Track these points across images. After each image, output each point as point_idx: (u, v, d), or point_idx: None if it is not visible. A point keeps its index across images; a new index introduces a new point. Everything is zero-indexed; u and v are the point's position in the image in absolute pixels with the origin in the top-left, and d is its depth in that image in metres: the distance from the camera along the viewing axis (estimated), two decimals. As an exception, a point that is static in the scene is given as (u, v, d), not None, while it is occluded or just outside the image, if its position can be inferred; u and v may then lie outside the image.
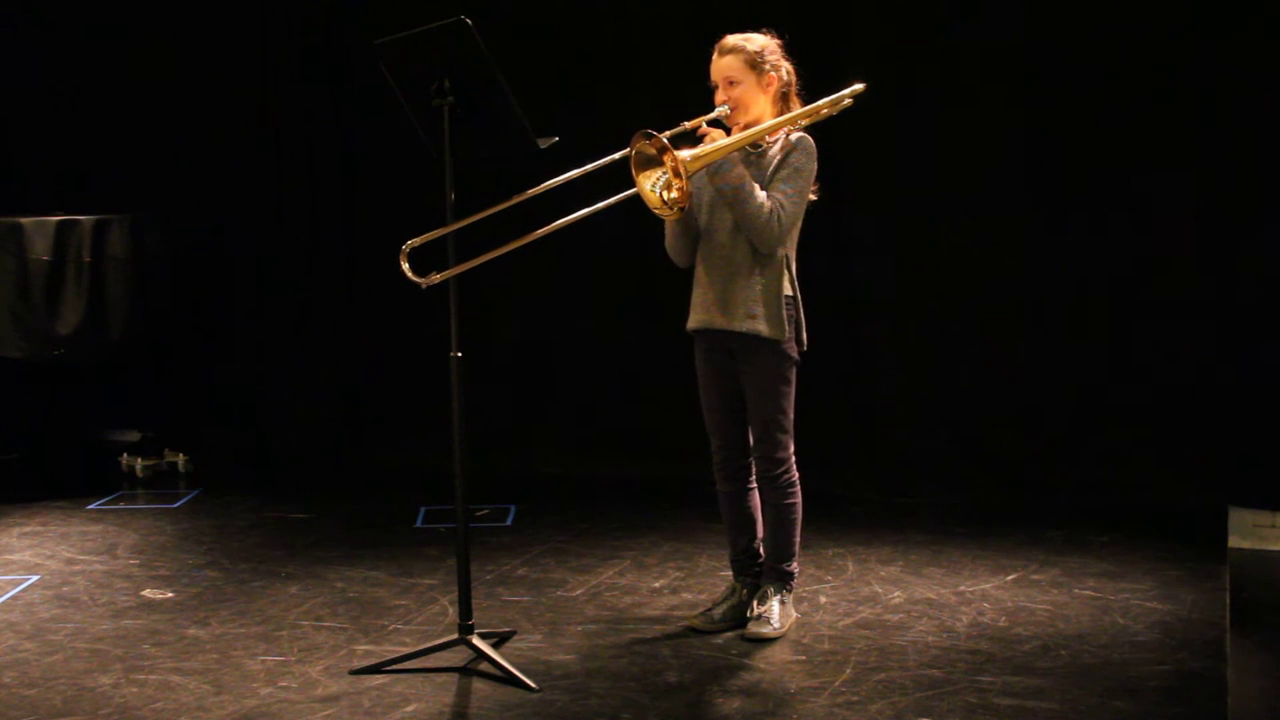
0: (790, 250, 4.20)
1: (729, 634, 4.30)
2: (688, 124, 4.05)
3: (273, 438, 7.05)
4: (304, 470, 6.80)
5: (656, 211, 3.98)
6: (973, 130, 6.00)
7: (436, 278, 3.94)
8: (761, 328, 4.15)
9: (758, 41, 4.18)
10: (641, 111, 4.31)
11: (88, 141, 7.19)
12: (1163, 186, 5.78)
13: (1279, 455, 5.60)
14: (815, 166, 4.16)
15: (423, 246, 3.93)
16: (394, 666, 4.06)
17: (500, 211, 4.13)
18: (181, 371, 7.10)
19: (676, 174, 3.86)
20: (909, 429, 6.20)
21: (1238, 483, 5.60)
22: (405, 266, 3.87)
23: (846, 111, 4.30)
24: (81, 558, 5.31)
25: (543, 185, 4.14)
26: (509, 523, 5.77)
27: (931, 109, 6.04)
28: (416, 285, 3.93)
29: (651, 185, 3.94)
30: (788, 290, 4.18)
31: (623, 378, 6.58)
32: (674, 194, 3.90)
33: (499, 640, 4.26)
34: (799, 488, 4.30)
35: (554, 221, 4.12)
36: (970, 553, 5.15)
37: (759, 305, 4.15)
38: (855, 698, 3.80)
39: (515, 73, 4.18)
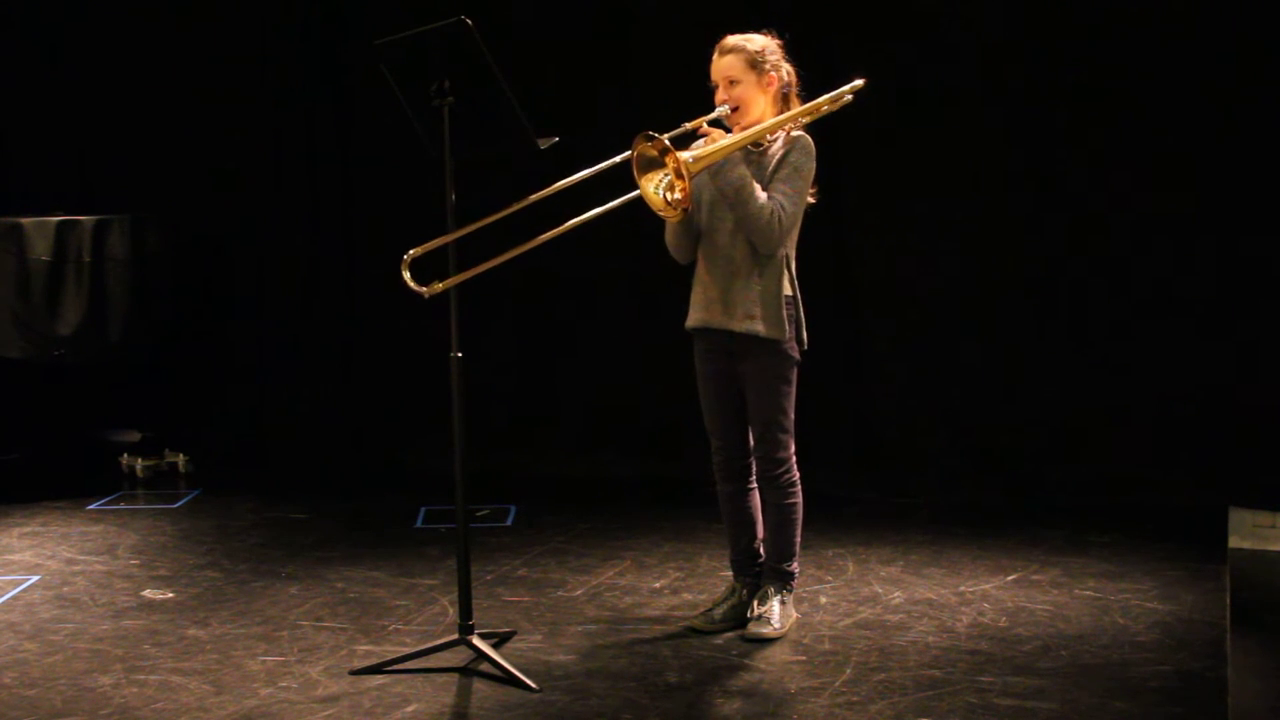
0: (790, 250, 4.20)
1: (729, 634, 4.30)
2: (689, 124, 4.05)
3: (273, 438, 7.04)
4: (304, 470, 6.80)
5: (660, 213, 3.98)
6: (973, 129, 6.01)
7: (439, 287, 3.93)
8: (760, 328, 4.14)
9: (758, 42, 4.18)
10: (642, 112, 4.31)
11: (88, 141, 7.18)
12: (1162, 187, 5.79)
13: (1279, 455, 5.60)
14: (814, 166, 4.15)
15: (423, 252, 3.92)
16: (394, 667, 4.06)
17: (502, 217, 4.12)
18: (181, 371, 7.10)
19: (679, 175, 3.86)
20: (909, 429, 6.20)
21: (1238, 483, 5.60)
22: (406, 276, 3.86)
23: (847, 110, 4.31)
24: (82, 558, 5.31)
25: (544, 191, 4.12)
26: (509, 523, 5.77)
27: (932, 107, 6.05)
28: (418, 295, 3.91)
29: (654, 187, 3.93)
30: (787, 290, 4.18)
31: (623, 377, 6.57)
32: (677, 195, 3.90)
33: (499, 640, 4.26)
34: (799, 487, 4.30)
35: (555, 223, 4.11)
36: (970, 553, 5.15)
37: (757, 306, 4.14)
38: (855, 698, 3.80)
39: (515, 73, 4.18)
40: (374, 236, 6.76)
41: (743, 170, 4.06)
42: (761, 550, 4.40)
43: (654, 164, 3.91)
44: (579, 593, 4.79)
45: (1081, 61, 5.88)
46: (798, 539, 4.34)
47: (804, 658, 4.11)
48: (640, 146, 3.89)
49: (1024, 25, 5.92)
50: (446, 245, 4.01)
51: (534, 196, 4.12)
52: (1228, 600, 4.54)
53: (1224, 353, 5.74)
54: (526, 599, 4.73)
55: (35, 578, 5.05)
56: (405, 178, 6.51)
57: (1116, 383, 5.92)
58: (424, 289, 3.90)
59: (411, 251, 3.89)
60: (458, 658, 4.10)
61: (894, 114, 5.94)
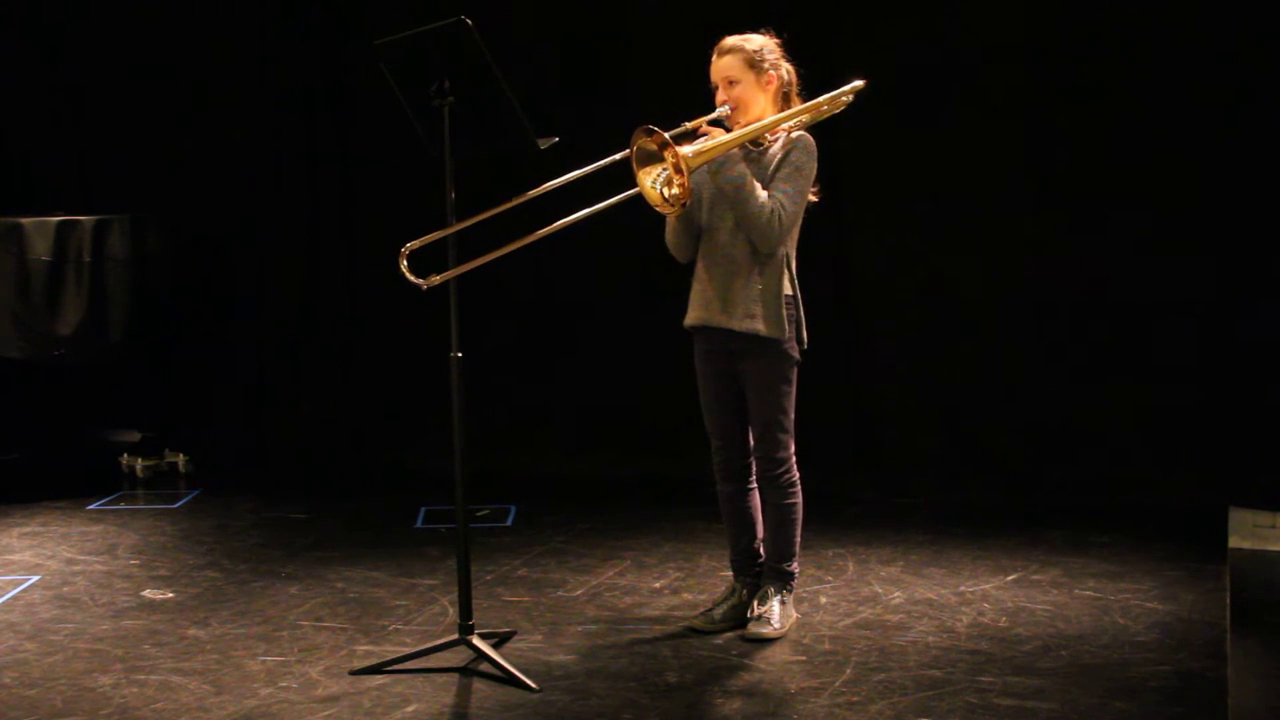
0: (790, 249, 4.19)
1: (729, 634, 4.30)
2: (689, 124, 4.05)
3: (273, 438, 7.04)
4: (304, 470, 6.80)
5: (658, 208, 3.97)
6: (973, 129, 6.01)
7: (436, 279, 3.93)
8: (760, 327, 4.14)
9: (756, 41, 4.18)
10: (642, 111, 4.32)
11: (88, 141, 7.19)
12: (1162, 187, 5.79)
13: (1279, 455, 5.60)
14: (815, 166, 4.15)
15: (422, 248, 3.92)
16: (394, 667, 4.06)
17: (500, 212, 4.13)
18: (181, 371, 7.10)
19: (678, 170, 3.85)
20: (909, 429, 6.20)
21: (1238, 483, 5.60)
22: (404, 268, 3.87)
23: (848, 110, 4.31)
24: (82, 558, 5.31)
25: (543, 186, 4.13)
26: (509, 523, 5.77)
27: (932, 107, 6.05)
28: (416, 287, 3.92)
29: (652, 182, 3.92)
30: (787, 290, 4.18)
31: (623, 377, 6.57)
32: (675, 190, 3.89)
33: (499, 640, 4.26)
34: (799, 487, 4.29)
35: (554, 221, 4.11)
36: (970, 553, 5.15)
37: (758, 305, 4.14)
38: (855, 698, 3.80)
39: (515, 73, 4.18)
40: (374, 236, 6.75)
41: (742, 168, 4.05)
42: (761, 550, 4.40)
43: (653, 158, 3.90)
44: (579, 593, 4.79)
45: (1081, 61, 5.88)
46: (798, 539, 4.34)
47: (804, 658, 4.11)
48: (640, 140, 3.89)
49: (1024, 25, 5.92)
50: (445, 242, 4.02)
51: (533, 192, 4.12)
52: (1228, 600, 4.54)
53: (1224, 353, 5.74)
54: (526, 599, 4.73)
55: (35, 578, 5.05)
56: (405, 178, 6.51)
57: (1116, 383, 5.92)
58: (421, 281, 3.90)
59: (410, 244, 3.89)
60: (458, 658, 4.10)
61: (894, 114, 5.94)
